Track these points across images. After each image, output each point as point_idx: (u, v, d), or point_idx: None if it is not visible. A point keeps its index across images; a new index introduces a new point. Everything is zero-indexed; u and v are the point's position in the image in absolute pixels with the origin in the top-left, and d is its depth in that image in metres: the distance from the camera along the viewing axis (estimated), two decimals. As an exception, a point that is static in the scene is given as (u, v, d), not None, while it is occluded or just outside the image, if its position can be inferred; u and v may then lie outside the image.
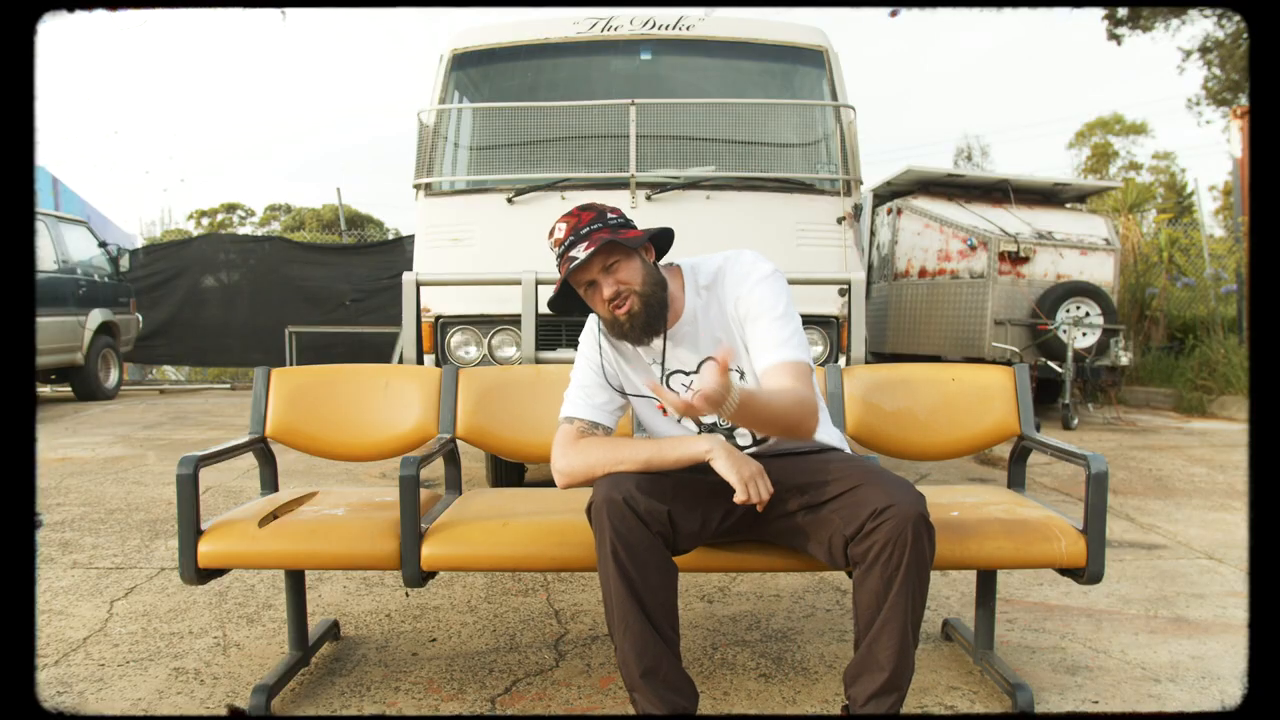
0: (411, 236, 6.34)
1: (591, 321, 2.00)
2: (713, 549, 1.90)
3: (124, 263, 9.48)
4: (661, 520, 1.71)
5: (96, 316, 8.77)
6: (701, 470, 1.77)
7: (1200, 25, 14.38)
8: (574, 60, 4.40)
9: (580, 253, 1.80)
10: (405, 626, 2.61)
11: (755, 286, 1.88)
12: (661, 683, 1.71)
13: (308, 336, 10.30)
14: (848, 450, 2.06)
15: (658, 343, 1.92)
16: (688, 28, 4.24)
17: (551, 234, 1.87)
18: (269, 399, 2.36)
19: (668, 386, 1.93)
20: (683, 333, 1.92)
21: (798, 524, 1.81)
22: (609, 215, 1.87)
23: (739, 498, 1.68)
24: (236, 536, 1.98)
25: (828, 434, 2.03)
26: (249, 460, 2.42)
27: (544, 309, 3.46)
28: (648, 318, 1.84)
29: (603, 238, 1.79)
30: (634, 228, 1.90)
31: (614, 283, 1.82)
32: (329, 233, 16.68)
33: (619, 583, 1.69)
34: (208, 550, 1.96)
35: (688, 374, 1.94)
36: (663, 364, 1.94)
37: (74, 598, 2.84)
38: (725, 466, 1.70)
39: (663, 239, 1.95)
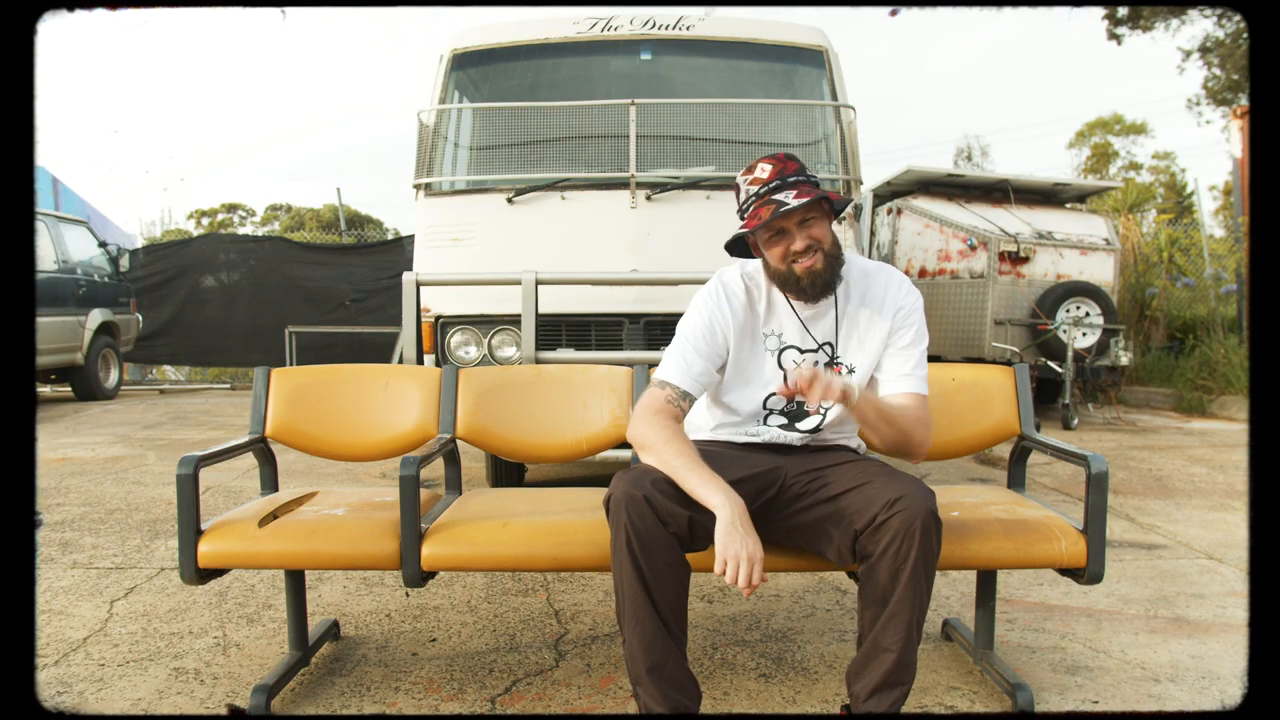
0: (411, 236, 6.35)
1: (721, 279, 1.99)
2: (711, 548, 1.90)
3: (124, 263, 9.49)
4: (680, 522, 1.72)
5: (96, 316, 8.77)
6: (722, 464, 1.80)
7: (1200, 25, 14.39)
8: (574, 60, 4.40)
9: (790, 199, 1.81)
10: (405, 626, 2.61)
11: (916, 313, 1.99)
12: (666, 680, 1.71)
13: (308, 336, 10.30)
14: (862, 447, 2.10)
15: (785, 309, 1.95)
16: (688, 28, 4.24)
17: (751, 170, 1.89)
18: (269, 399, 2.36)
19: (778, 361, 1.97)
20: (821, 310, 1.96)
21: (809, 520, 1.82)
22: (808, 172, 1.90)
23: (716, 570, 1.66)
24: (236, 536, 1.98)
25: (855, 439, 2.08)
26: (249, 460, 2.42)
27: (545, 309, 3.46)
28: (829, 277, 1.89)
29: (812, 191, 1.82)
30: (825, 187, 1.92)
31: (808, 237, 1.85)
32: (329, 233, 16.67)
33: (632, 578, 1.69)
34: (208, 550, 1.96)
35: (802, 351, 1.97)
36: (780, 335, 1.97)
37: (74, 598, 2.84)
38: (720, 535, 1.67)
39: (842, 207, 1.96)
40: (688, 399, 1.91)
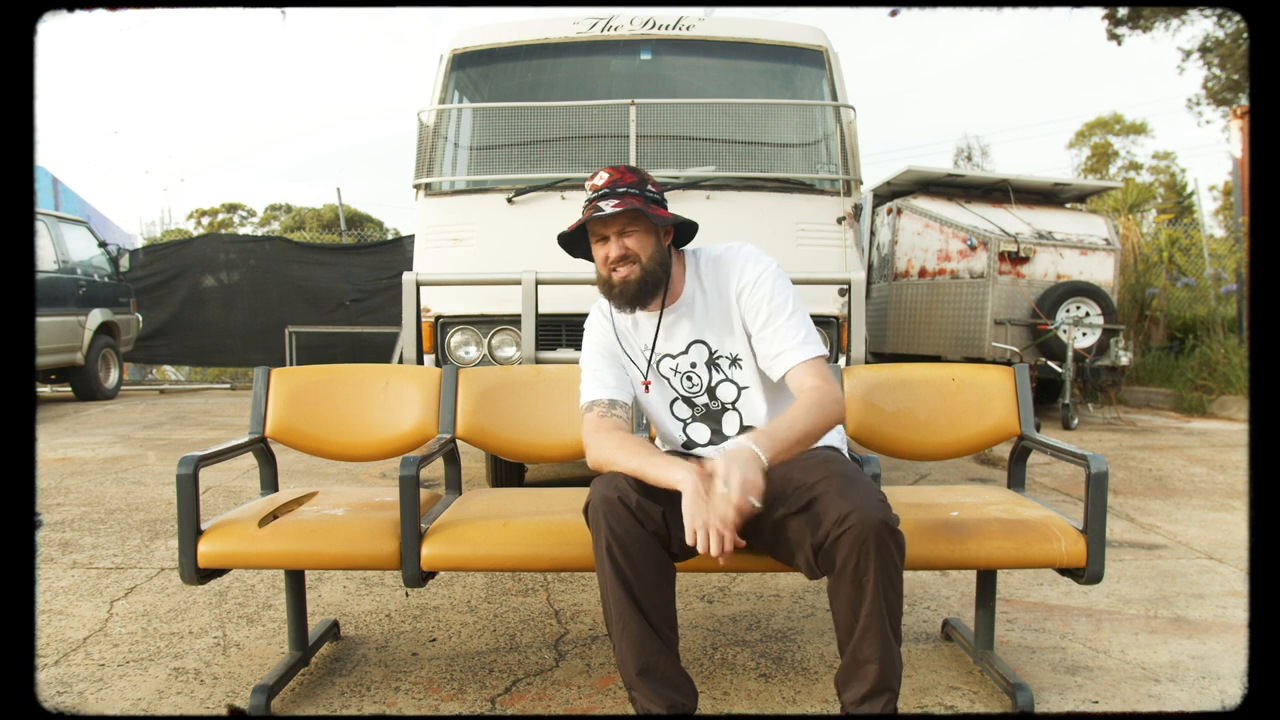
0: (411, 236, 6.34)
1: (597, 306, 2.07)
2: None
3: (124, 263, 9.49)
4: (656, 519, 1.72)
5: (96, 316, 8.77)
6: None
7: (1200, 25, 14.39)
8: (574, 60, 4.40)
9: (607, 207, 1.85)
10: (405, 626, 2.61)
11: (762, 283, 1.92)
12: (660, 680, 1.71)
13: (308, 336, 10.30)
14: (844, 450, 2.06)
15: (648, 322, 1.98)
16: (688, 28, 4.24)
17: (593, 176, 1.94)
18: (269, 399, 2.36)
19: (657, 370, 2.00)
20: (679, 313, 1.98)
21: (779, 533, 1.79)
22: (649, 187, 1.93)
23: (688, 541, 1.65)
24: (236, 536, 1.98)
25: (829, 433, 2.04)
26: (249, 460, 2.43)
27: (545, 309, 3.46)
28: (639, 290, 1.90)
29: (633, 204, 1.85)
30: (665, 207, 1.95)
31: (623, 246, 1.88)
32: (329, 233, 16.67)
33: (615, 581, 1.69)
34: (208, 550, 1.96)
35: (674, 356, 1.99)
36: (653, 347, 2.00)
37: (74, 598, 2.84)
38: (685, 506, 1.66)
39: (686, 230, 2.00)
40: (618, 405, 1.95)
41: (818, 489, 1.73)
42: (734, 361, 1.97)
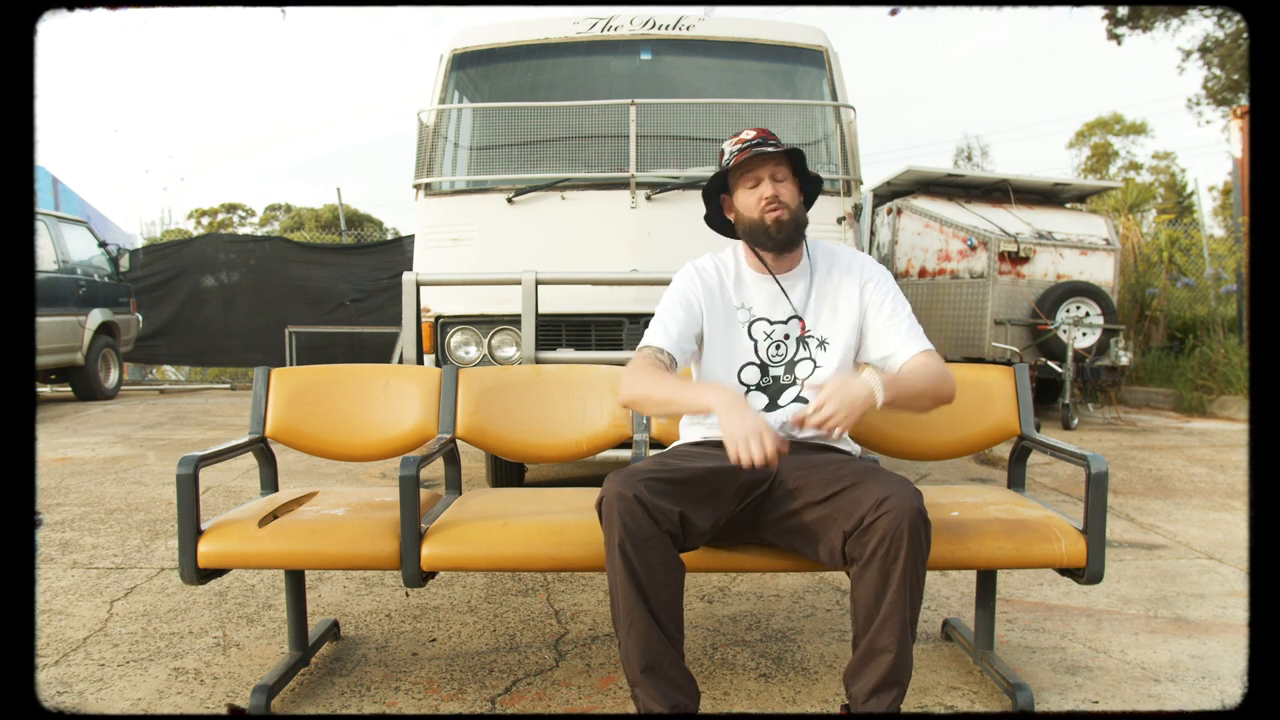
0: (411, 236, 6.34)
1: (693, 263, 2.11)
2: (713, 549, 1.91)
3: (124, 263, 9.49)
4: (672, 519, 1.72)
5: (96, 316, 8.77)
6: (713, 466, 1.81)
7: (1200, 25, 14.38)
8: (574, 60, 4.40)
9: (770, 147, 1.95)
10: (405, 626, 2.61)
11: (886, 281, 2.07)
12: (663, 679, 1.71)
13: (307, 336, 10.30)
14: (856, 450, 2.10)
15: (756, 285, 2.04)
16: (688, 28, 4.24)
17: (738, 134, 2.03)
18: (269, 399, 2.36)
19: (748, 332, 2.04)
20: (790, 283, 2.04)
21: (798, 524, 1.82)
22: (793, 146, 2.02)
23: (730, 457, 1.70)
24: (236, 536, 1.98)
25: (845, 439, 2.08)
26: (249, 460, 2.43)
27: (545, 309, 3.46)
28: (791, 233, 1.98)
29: (793, 154, 1.97)
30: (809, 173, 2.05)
31: (776, 189, 1.96)
32: (328, 233, 16.67)
33: (625, 579, 1.69)
34: (208, 550, 1.96)
35: (772, 323, 2.03)
36: (750, 308, 2.04)
37: (74, 598, 2.84)
38: (722, 423, 1.73)
39: (813, 192, 2.08)
40: (668, 355, 1.97)
41: (849, 479, 1.79)
42: (822, 344, 2.03)
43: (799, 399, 2.02)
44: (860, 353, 2.07)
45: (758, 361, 2.03)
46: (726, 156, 2.02)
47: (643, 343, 2.01)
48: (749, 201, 1.98)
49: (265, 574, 3.06)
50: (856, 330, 2.04)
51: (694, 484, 1.79)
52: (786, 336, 2.03)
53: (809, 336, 2.03)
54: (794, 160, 1.99)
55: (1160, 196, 23.06)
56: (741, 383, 2.03)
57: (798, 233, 2.00)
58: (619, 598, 1.71)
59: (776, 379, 2.03)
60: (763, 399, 2.03)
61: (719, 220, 2.12)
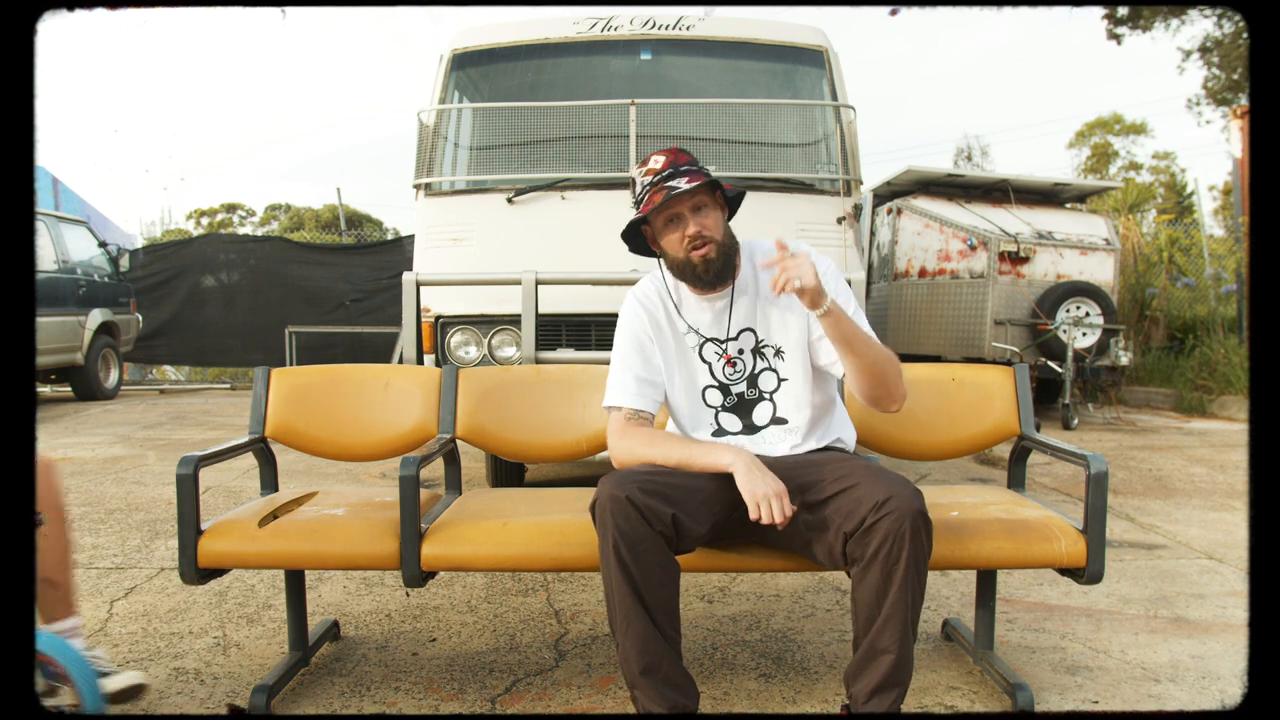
0: (411, 236, 6.34)
1: (633, 291, 2.05)
2: (713, 549, 1.91)
3: (124, 263, 9.48)
4: (665, 520, 1.72)
5: (96, 316, 8.76)
6: (706, 475, 1.81)
7: (1200, 25, 14.36)
8: (574, 60, 4.40)
9: (682, 183, 1.86)
10: (405, 626, 2.61)
11: (827, 279, 1.91)
12: (662, 680, 1.71)
13: (307, 336, 10.30)
14: (852, 449, 2.09)
15: (697, 307, 1.98)
16: (688, 28, 4.24)
17: (645, 163, 1.94)
18: (269, 399, 2.36)
19: (700, 356, 1.99)
20: (733, 299, 1.99)
21: (798, 525, 1.82)
22: (701, 166, 1.94)
23: (752, 516, 1.72)
24: (236, 536, 1.98)
25: (844, 429, 2.07)
26: (249, 460, 2.42)
27: (545, 309, 3.46)
28: (721, 266, 1.92)
29: (704, 179, 1.87)
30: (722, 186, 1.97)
31: (700, 224, 1.89)
32: (328, 233, 16.67)
33: (621, 581, 1.69)
34: (208, 550, 1.96)
35: (721, 342, 1.99)
36: (698, 330, 1.99)
37: (74, 598, 2.84)
38: (743, 482, 1.73)
39: (736, 202, 2.01)
40: (640, 415, 1.94)
41: (850, 479, 1.78)
42: (778, 352, 1.99)
43: (776, 420, 1.98)
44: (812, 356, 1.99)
45: (716, 383, 2.00)
46: (639, 189, 1.94)
47: (613, 401, 1.96)
48: (672, 239, 1.92)
49: (265, 574, 3.06)
50: (807, 328, 1.96)
51: (688, 487, 1.79)
52: (741, 351, 1.99)
53: (764, 346, 1.99)
54: (714, 184, 1.91)
55: (1160, 196, 23.06)
56: (708, 405, 2.00)
57: (728, 262, 1.94)
58: (615, 600, 1.71)
59: (741, 395, 1.99)
60: (735, 419, 2.00)
61: (646, 250, 2.04)
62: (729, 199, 1.98)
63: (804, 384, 1.98)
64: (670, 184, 1.87)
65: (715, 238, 1.90)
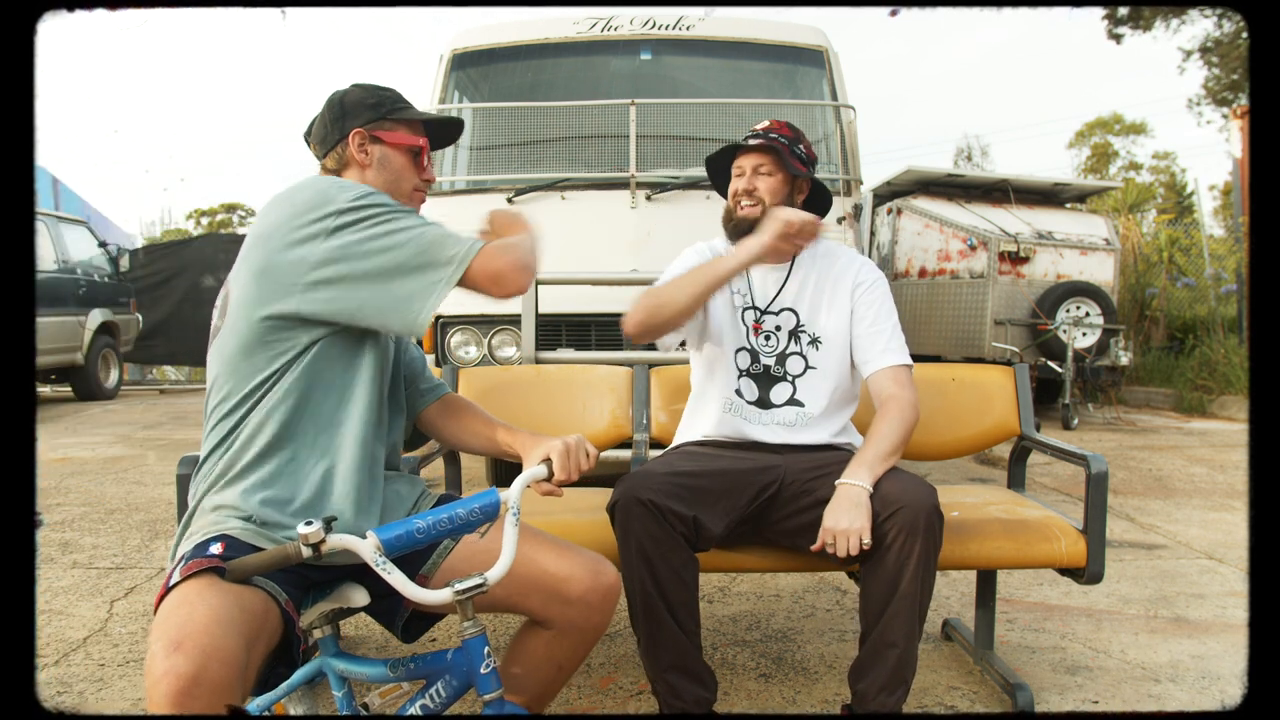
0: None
1: (703, 243, 2.13)
2: (716, 549, 1.90)
3: (124, 263, 9.49)
4: (686, 523, 1.74)
5: (96, 316, 8.77)
6: (726, 468, 1.83)
7: (1200, 25, 14.37)
8: (574, 60, 4.40)
9: (754, 140, 1.99)
10: (405, 626, 2.61)
11: (878, 287, 2.04)
12: (684, 675, 1.76)
13: (307, 336, 10.28)
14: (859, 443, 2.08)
15: (758, 271, 2.03)
16: (688, 28, 4.24)
17: (760, 124, 2.06)
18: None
19: (741, 317, 2.04)
20: (787, 274, 2.03)
21: (806, 522, 1.83)
22: (800, 146, 2.03)
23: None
24: (236, 536, 1.97)
25: (852, 435, 2.08)
26: (249, 460, 2.42)
27: (545, 309, 3.46)
28: (751, 229, 1.94)
29: (778, 148, 1.97)
30: (813, 171, 2.04)
31: (753, 184, 1.98)
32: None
33: (644, 582, 1.72)
34: (208, 550, 1.95)
35: (762, 312, 2.03)
36: (746, 295, 2.04)
37: (74, 598, 2.84)
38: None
39: (821, 198, 2.08)
40: None
41: None
42: (814, 341, 2.01)
43: (793, 401, 2.00)
44: None
45: (749, 347, 2.03)
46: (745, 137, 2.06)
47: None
48: (731, 187, 2.03)
49: (265, 574, 3.05)
50: (849, 325, 2.02)
51: (707, 488, 1.81)
52: (778, 328, 2.03)
53: (801, 331, 2.02)
54: (782, 154, 1.97)
55: (1160, 196, 23.07)
56: (735, 366, 2.03)
57: None
58: (637, 601, 1.74)
59: (767, 369, 2.02)
60: (754, 387, 2.02)
61: (723, 191, 2.13)
62: (814, 190, 2.06)
63: (831, 379, 2.00)
64: (750, 140, 2.00)
65: (765, 200, 1.97)
